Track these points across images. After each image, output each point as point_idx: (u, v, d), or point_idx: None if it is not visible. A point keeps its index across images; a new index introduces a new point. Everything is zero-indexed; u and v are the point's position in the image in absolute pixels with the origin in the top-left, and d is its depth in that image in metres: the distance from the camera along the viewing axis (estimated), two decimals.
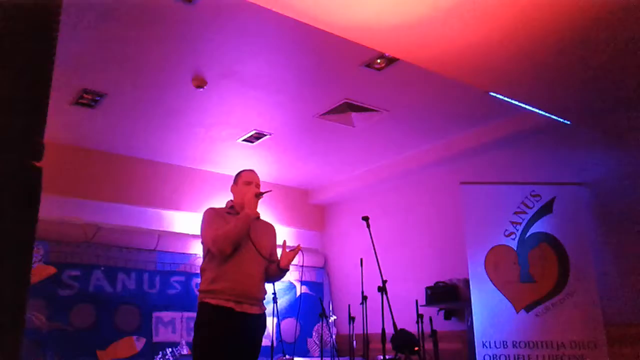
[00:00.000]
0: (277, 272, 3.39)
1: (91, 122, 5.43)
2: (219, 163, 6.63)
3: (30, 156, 0.75)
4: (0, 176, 0.73)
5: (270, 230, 3.54)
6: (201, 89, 4.65)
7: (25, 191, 0.75)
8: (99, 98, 4.90)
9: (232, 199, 3.48)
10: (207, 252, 3.25)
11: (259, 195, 3.31)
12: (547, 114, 4.68)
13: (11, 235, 0.74)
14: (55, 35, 0.79)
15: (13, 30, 0.75)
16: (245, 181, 3.43)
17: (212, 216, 3.30)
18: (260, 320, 3.28)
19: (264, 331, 3.36)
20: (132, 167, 6.42)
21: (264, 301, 3.34)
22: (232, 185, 3.51)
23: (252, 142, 6.00)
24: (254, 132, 5.75)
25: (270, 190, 3.54)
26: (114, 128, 5.65)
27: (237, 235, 3.15)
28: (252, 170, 3.54)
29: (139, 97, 4.93)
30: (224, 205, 3.49)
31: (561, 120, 4.76)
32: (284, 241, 3.48)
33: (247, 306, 3.17)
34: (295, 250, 3.39)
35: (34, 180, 0.76)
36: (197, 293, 3.31)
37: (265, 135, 5.83)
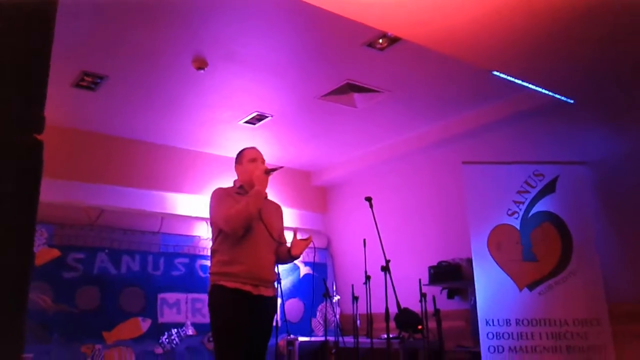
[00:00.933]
0: (287, 256, 3.37)
1: (92, 104, 5.41)
2: (221, 145, 6.62)
3: (30, 129, 0.74)
4: (2, 149, 0.72)
5: (278, 210, 3.49)
6: (202, 71, 4.62)
7: (27, 164, 0.74)
8: (99, 80, 4.88)
9: (237, 178, 3.40)
10: (218, 233, 3.20)
11: (269, 171, 3.21)
12: (550, 93, 4.65)
13: (13, 209, 0.73)
14: (54, 9, 0.77)
15: (13, 5, 0.74)
16: (250, 159, 3.34)
17: (221, 196, 3.24)
18: (274, 302, 3.31)
19: (275, 312, 3.38)
20: (134, 149, 6.41)
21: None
22: (235, 165, 3.43)
23: (253, 124, 5.99)
24: (256, 113, 5.73)
25: (282, 167, 3.43)
26: (115, 110, 5.63)
27: (250, 214, 3.07)
28: (254, 148, 3.46)
29: (140, 79, 4.90)
30: (231, 185, 3.42)
31: (564, 99, 4.73)
32: (295, 229, 3.47)
33: (263, 289, 3.16)
34: (307, 241, 3.35)
35: (34, 153, 0.75)
36: (208, 274, 3.27)
37: (267, 117, 5.81)
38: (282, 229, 3.47)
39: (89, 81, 4.89)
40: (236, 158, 3.46)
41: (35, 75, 0.75)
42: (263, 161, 3.34)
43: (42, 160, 0.77)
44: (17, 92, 0.74)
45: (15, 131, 0.73)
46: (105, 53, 4.43)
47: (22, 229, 0.74)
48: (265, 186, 3.16)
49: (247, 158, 3.36)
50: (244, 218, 3.05)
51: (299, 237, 3.40)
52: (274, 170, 3.22)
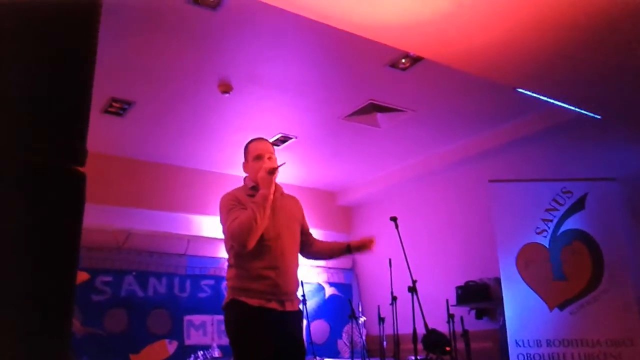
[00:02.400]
0: (335, 250, 3.15)
1: (120, 129, 5.52)
2: None
3: (73, 161, 0.76)
4: (45, 179, 0.74)
5: (297, 205, 3.15)
6: (227, 94, 4.69)
7: (70, 196, 0.76)
8: (127, 106, 4.99)
9: (247, 176, 3.07)
10: (231, 246, 2.87)
11: (272, 171, 2.82)
12: (576, 109, 4.59)
13: (58, 237, 0.75)
14: (95, 35, 0.80)
15: (55, 29, 0.76)
16: (255, 156, 2.95)
17: (228, 204, 2.89)
18: (300, 317, 3.00)
19: (302, 325, 3.05)
20: (160, 173, 6.50)
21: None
22: (243, 162, 3.08)
23: (277, 145, 6.03)
24: (280, 135, 5.77)
25: (284, 163, 2.94)
26: (142, 135, 5.73)
27: (257, 224, 2.70)
28: (260, 139, 3.08)
29: (167, 104, 4.99)
30: (242, 184, 3.10)
31: (591, 114, 4.67)
32: (372, 238, 3.14)
33: (289, 304, 2.86)
34: (372, 242, 3.10)
35: (78, 185, 0.77)
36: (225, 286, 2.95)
37: (291, 138, 5.85)
38: (305, 223, 3.16)
39: (117, 107, 5.00)
40: (243, 153, 3.10)
41: (81, 107, 0.77)
42: (270, 156, 2.94)
43: (85, 192, 0.78)
44: (59, 123, 0.76)
45: (59, 164, 0.75)
46: (133, 79, 4.53)
47: (68, 252, 0.76)
48: (271, 187, 2.80)
49: (252, 155, 2.98)
50: (249, 230, 2.68)
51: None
52: (276, 169, 2.84)
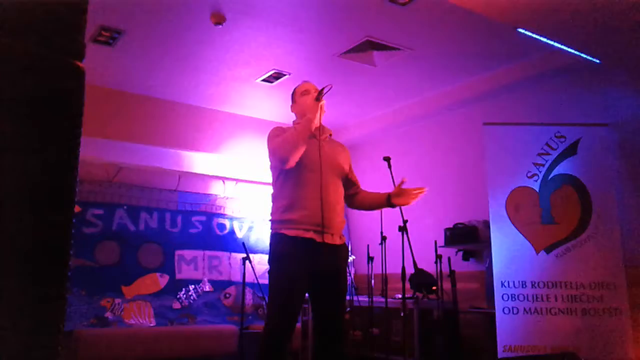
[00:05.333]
0: (375, 202, 3.15)
1: (109, 60, 5.38)
2: (238, 104, 6.58)
3: (72, 55, 0.72)
4: (40, 73, 0.71)
5: (344, 150, 3.22)
6: (220, 26, 4.55)
7: (67, 92, 0.73)
8: (117, 35, 4.84)
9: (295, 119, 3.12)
10: (277, 176, 2.93)
11: (319, 96, 2.90)
12: (576, 52, 4.51)
13: (52, 135, 0.72)
14: None
15: None
16: (302, 92, 3.10)
17: (275, 132, 2.98)
18: (342, 252, 2.95)
19: (347, 263, 3.06)
20: (150, 107, 6.40)
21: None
22: (291, 106, 3.20)
23: (271, 82, 5.93)
24: (273, 71, 5.66)
25: (331, 85, 2.92)
26: (132, 66, 5.60)
27: (299, 141, 2.77)
28: (305, 81, 3.21)
29: (158, 34, 4.85)
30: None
31: (591, 58, 4.60)
32: (404, 179, 3.14)
33: (329, 236, 2.83)
34: (420, 192, 3.11)
35: (76, 79, 0.73)
36: (270, 222, 2.95)
37: (285, 75, 5.74)
38: (350, 168, 3.20)
39: (107, 36, 4.85)
40: (291, 98, 3.21)
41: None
42: (316, 90, 3.01)
43: (84, 88, 0.75)
44: (58, 16, 0.72)
45: (57, 57, 0.71)
46: (123, 7, 4.37)
47: (68, 149, 0.74)
48: (316, 113, 2.87)
49: (299, 93, 3.13)
50: (292, 143, 2.75)
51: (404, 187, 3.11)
52: (322, 93, 2.90)
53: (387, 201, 3.12)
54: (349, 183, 3.20)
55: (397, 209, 4.58)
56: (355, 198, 3.23)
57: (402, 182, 3.12)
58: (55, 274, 0.76)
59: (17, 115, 0.70)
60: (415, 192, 3.11)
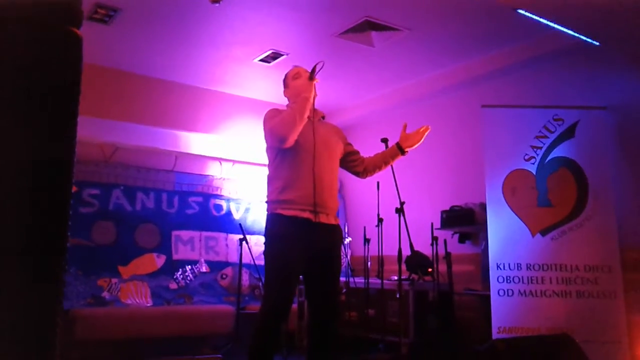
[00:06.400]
0: (387, 156, 3.25)
1: (105, 38, 5.32)
2: (235, 84, 6.53)
3: (69, 21, 0.71)
4: (39, 40, 0.69)
5: (337, 130, 3.30)
6: (217, 4, 4.50)
7: (66, 57, 0.72)
8: (113, 13, 4.78)
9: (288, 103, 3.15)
10: (274, 157, 2.97)
11: (312, 75, 2.95)
12: (575, 34, 4.48)
13: (49, 101, 0.71)
14: None
15: None
16: (293, 75, 3.16)
17: (271, 113, 3.01)
18: (337, 231, 3.02)
19: (341, 244, 3.12)
20: (147, 86, 6.36)
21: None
22: (284, 91, 3.24)
23: (268, 62, 5.88)
24: (271, 51, 5.61)
25: (322, 62, 2.97)
26: (129, 46, 5.55)
27: (296, 119, 2.81)
28: (295, 65, 3.27)
29: (154, 12, 4.79)
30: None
31: (590, 40, 4.56)
32: (405, 124, 3.30)
33: (324, 216, 2.89)
34: (424, 130, 3.22)
35: (74, 46, 0.72)
36: (266, 204, 3.00)
37: (282, 55, 5.69)
38: (346, 143, 3.29)
39: (103, 14, 4.79)
40: (283, 83, 3.25)
41: None
42: (307, 73, 3.07)
43: (82, 55, 0.74)
44: None
45: (55, 23, 0.70)
46: None
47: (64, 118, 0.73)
48: (311, 92, 2.93)
49: (290, 77, 3.18)
50: (290, 121, 2.79)
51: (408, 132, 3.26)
52: (315, 71, 2.94)
53: (399, 149, 3.24)
54: (352, 155, 3.28)
55: (393, 190, 4.59)
56: (365, 164, 3.30)
57: (404, 127, 3.28)
58: (53, 253, 0.76)
59: (15, 83, 0.68)
60: (421, 131, 3.24)
